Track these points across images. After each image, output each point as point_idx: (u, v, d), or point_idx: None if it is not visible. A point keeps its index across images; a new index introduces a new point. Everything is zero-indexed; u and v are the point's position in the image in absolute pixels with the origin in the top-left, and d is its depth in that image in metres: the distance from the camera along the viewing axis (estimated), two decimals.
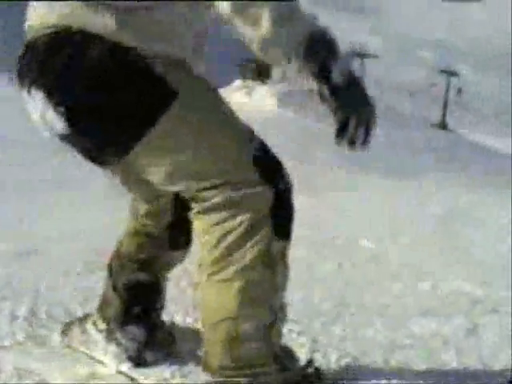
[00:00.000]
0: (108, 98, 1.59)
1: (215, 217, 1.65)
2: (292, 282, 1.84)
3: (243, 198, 1.63)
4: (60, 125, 1.62)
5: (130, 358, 1.99)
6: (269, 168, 1.68)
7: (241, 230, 1.63)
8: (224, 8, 1.53)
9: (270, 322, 1.69)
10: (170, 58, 1.64)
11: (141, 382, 1.96)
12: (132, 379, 1.98)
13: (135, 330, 2.00)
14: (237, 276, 1.65)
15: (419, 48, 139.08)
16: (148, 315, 2.04)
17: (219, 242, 1.65)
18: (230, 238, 1.65)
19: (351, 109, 1.58)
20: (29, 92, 1.67)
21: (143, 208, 1.96)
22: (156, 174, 1.67)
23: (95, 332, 2.05)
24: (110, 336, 2.03)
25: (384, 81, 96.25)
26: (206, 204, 1.65)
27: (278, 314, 1.72)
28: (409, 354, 2.67)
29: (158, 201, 1.91)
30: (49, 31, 1.61)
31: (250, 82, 44.15)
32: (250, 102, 40.71)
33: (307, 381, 1.80)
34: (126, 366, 2.00)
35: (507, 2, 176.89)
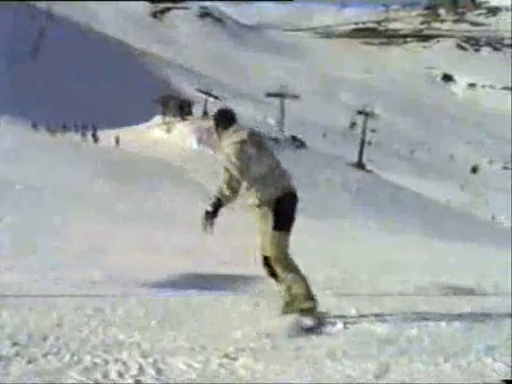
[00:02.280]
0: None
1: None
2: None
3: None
4: None
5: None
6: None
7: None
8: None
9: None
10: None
11: None
12: None
13: None
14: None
15: (339, 89, 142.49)
16: None
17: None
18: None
19: None
20: None
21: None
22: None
23: None
24: None
25: (303, 121, 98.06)
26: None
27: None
28: None
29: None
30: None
31: (169, 119, 44.03)
32: (170, 138, 40.58)
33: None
34: None
35: (423, 48, 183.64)
